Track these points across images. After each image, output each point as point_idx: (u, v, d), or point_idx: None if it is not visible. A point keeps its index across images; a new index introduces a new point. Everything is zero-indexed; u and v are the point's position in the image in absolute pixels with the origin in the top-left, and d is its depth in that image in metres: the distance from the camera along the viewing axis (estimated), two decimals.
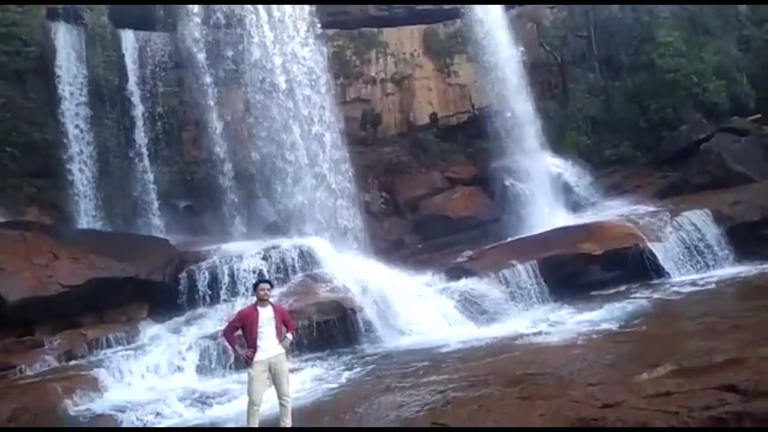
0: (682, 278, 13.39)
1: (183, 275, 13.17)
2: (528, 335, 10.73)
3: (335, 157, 16.62)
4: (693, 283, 12.85)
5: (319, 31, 17.36)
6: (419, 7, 20.82)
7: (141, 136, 16.58)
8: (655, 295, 12.39)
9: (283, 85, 16.29)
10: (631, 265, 13.91)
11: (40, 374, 10.43)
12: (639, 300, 12.23)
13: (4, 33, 15.34)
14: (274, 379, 6.95)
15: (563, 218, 17.34)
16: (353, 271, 13.37)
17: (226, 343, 7.41)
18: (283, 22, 16.43)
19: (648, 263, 13.72)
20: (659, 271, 13.64)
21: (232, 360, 10.44)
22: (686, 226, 14.41)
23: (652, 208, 15.89)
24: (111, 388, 9.78)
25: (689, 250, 14.02)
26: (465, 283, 13.38)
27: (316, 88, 16.88)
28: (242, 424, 7.16)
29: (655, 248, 13.82)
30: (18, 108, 15.44)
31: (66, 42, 16.14)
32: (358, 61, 20.28)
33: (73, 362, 10.91)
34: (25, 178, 15.47)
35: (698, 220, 14.45)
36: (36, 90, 15.86)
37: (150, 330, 12.06)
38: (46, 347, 11.18)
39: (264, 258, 13.34)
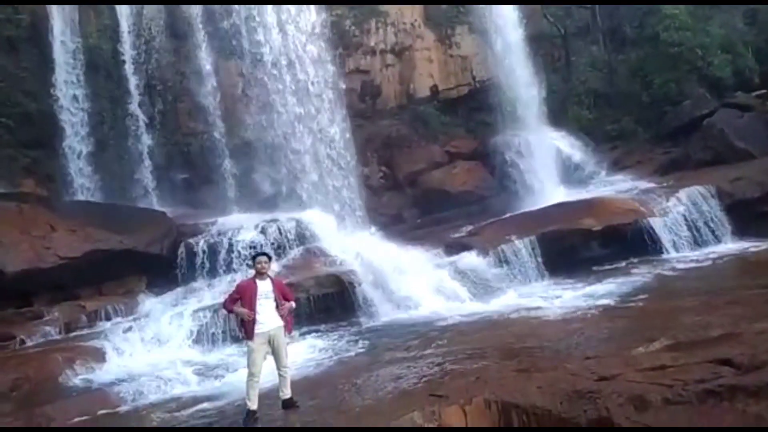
0: (681, 254, 13.40)
1: (181, 248, 13.16)
2: (525, 309, 10.77)
3: (334, 129, 16.45)
4: (692, 260, 12.87)
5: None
6: None
7: (136, 107, 16.36)
8: (654, 271, 12.41)
9: (281, 56, 16.02)
10: (631, 240, 13.91)
11: (41, 345, 10.50)
12: (637, 276, 12.26)
13: None
14: (273, 351, 6.97)
15: (563, 194, 17.28)
16: (351, 245, 13.36)
17: (227, 312, 7.40)
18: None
19: (648, 239, 13.72)
20: (659, 247, 13.64)
21: (229, 332, 10.50)
22: (687, 202, 14.36)
23: (652, 184, 15.84)
24: (110, 359, 9.84)
25: (689, 226, 14.00)
26: (463, 258, 13.37)
27: (314, 58, 16.61)
28: (241, 394, 7.23)
29: (655, 224, 13.80)
30: (12, 77, 15.20)
31: (59, 10, 15.79)
32: (357, 31, 19.93)
33: (72, 334, 10.97)
34: (20, 149, 15.30)
35: (699, 196, 14.40)
36: (29, 59, 15.59)
37: (148, 302, 12.09)
38: (46, 318, 11.24)
39: (262, 231, 13.32)
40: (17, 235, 12.20)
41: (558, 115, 19.64)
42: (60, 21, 15.61)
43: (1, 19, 15.05)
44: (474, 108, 20.78)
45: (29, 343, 10.63)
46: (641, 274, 12.30)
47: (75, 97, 15.52)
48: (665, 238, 13.69)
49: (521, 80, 18.83)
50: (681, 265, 12.53)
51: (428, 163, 19.69)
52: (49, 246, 12.23)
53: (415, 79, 20.85)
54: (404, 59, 20.73)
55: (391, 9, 20.38)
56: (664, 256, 13.42)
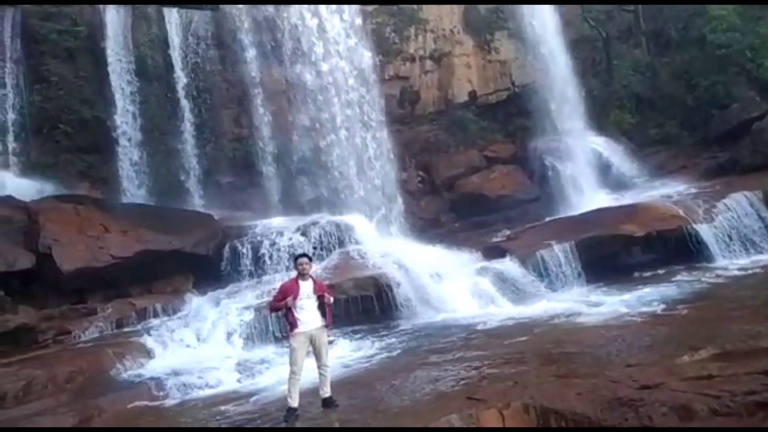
0: (727, 262, 13.00)
1: (226, 249, 13.60)
2: (564, 315, 10.67)
3: (374, 135, 16.68)
4: (739, 267, 12.48)
5: (359, 7, 17.29)
6: None
7: (185, 113, 17.01)
8: (699, 278, 12.08)
9: (323, 63, 16.37)
10: (674, 247, 13.60)
11: (94, 340, 11.04)
12: (681, 283, 11.97)
13: (55, 13, 15.88)
14: (315, 350, 7.18)
15: (604, 199, 17.02)
16: (390, 248, 13.51)
17: (274, 311, 7.68)
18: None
19: (693, 246, 13.38)
20: (704, 255, 13.28)
21: (271, 331, 10.80)
22: (734, 208, 13.93)
23: (698, 189, 15.43)
24: (158, 355, 10.27)
25: (737, 233, 13.58)
26: (502, 263, 13.35)
27: (355, 65, 16.90)
28: (282, 392, 7.45)
29: (701, 230, 13.44)
30: (69, 86, 16.03)
31: (114, 21, 16.57)
32: (397, 38, 20.15)
33: (123, 330, 11.47)
34: (77, 154, 16.11)
35: (747, 202, 13.95)
36: (86, 68, 16.40)
37: (194, 301, 12.53)
38: (99, 315, 11.79)
39: (303, 234, 13.63)
40: (74, 235, 12.85)
41: (599, 119, 19.35)
42: (114, 32, 16.37)
43: (60, 31, 15.89)
44: (513, 113, 20.69)
45: (83, 338, 11.17)
46: (685, 282, 12.00)
47: (127, 105, 16.23)
48: (711, 245, 13.32)
49: (561, 84, 18.66)
50: (728, 273, 12.16)
51: (466, 168, 19.71)
52: (103, 246, 12.84)
53: (454, 85, 20.91)
54: (443, 65, 20.82)
55: (431, 15, 20.52)
56: (710, 263, 13.05)
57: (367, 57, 17.14)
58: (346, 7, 16.99)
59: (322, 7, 16.61)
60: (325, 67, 16.44)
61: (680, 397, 5.93)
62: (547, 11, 19.05)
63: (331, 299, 7.22)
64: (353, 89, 16.70)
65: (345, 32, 16.88)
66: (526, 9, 19.16)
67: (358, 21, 17.26)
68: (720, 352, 7.10)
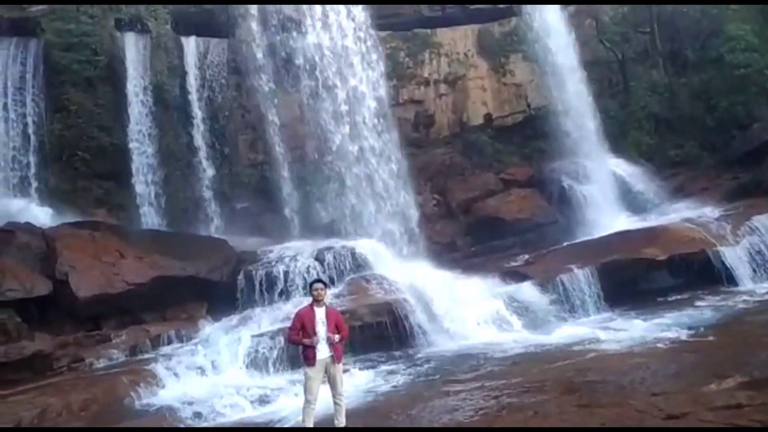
0: (753, 286, 12.63)
1: (240, 275, 13.54)
2: (586, 342, 10.39)
3: (388, 159, 16.68)
4: (766, 291, 12.10)
5: (373, 33, 17.49)
6: (473, 6, 20.61)
7: (201, 140, 17.19)
8: (724, 303, 11.75)
9: (338, 90, 16.51)
10: (698, 271, 13.25)
11: (108, 367, 10.97)
12: (706, 308, 11.64)
13: (76, 43, 16.27)
14: (329, 378, 7.03)
15: (624, 222, 16.72)
16: (405, 273, 13.35)
17: (293, 344, 7.53)
18: (338, 26, 16.63)
19: (716, 270, 13.02)
20: (728, 278, 12.93)
21: (286, 358, 10.65)
22: (759, 230, 13.58)
23: (720, 212, 15.08)
24: (172, 383, 10.15)
25: (762, 257, 13.19)
26: (520, 288, 13.11)
27: (370, 90, 17.01)
28: (297, 421, 7.28)
29: (725, 254, 13.11)
30: (88, 114, 16.32)
31: (133, 50, 16.92)
32: (411, 63, 20.27)
33: (137, 357, 11.40)
34: (95, 181, 16.32)
35: None
36: (105, 96, 16.70)
37: (208, 328, 12.43)
38: (113, 342, 11.74)
39: (317, 259, 13.54)
40: (90, 261, 12.91)
41: (617, 140, 19.15)
42: (133, 61, 16.71)
43: (81, 61, 16.26)
44: (529, 135, 20.57)
45: (97, 365, 11.13)
46: (710, 307, 11.67)
47: (145, 131, 16.46)
48: (737, 268, 12.96)
49: (577, 106, 18.55)
50: (754, 297, 11.80)
51: (482, 191, 19.55)
52: (118, 272, 12.87)
53: (469, 108, 20.91)
54: (458, 88, 20.87)
55: (445, 39, 20.66)
56: (735, 287, 12.69)
57: (382, 81, 17.25)
58: (362, 32, 17.19)
59: (338, 33, 16.81)
60: (340, 92, 16.57)
61: (709, 427, 5.69)
62: (562, 33, 19.07)
63: (336, 337, 6.98)
64: (368, 114, 16.77)
65: (360, 57, 17.04)
66: (540, 31, 19.19)
67: (371, 43, 17.43)
68: (749, 380, 6.84)
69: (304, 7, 16.92)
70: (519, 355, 10.21)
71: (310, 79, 16.82)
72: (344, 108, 16.56)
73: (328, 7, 16.98)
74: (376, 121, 16.86)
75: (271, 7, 17.09)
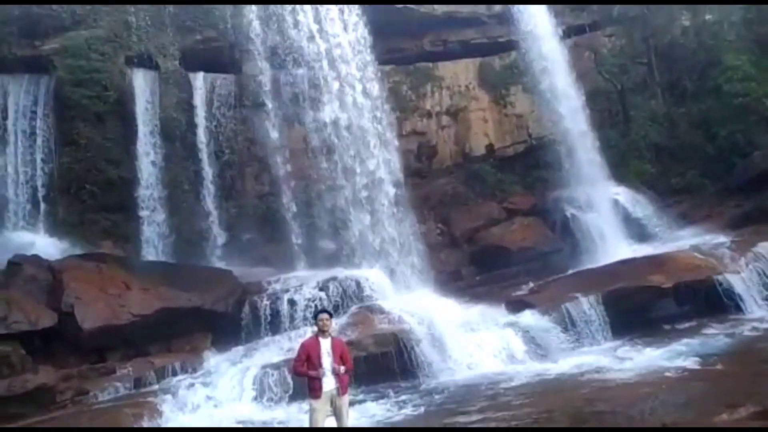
0: (761, 314, 12.49)
1: (245, 306, 13.52)
2: (594, 371, 10.28)
3: (392, 190, 16.82)
4: None
5: (377, 67, 17.84)
6: (474, 41, 21.06)
7: (207, 172, 17.42)
8: (733, 331, 11.63)
9: (343, 121, 16.76)
10: (704, 298, 13.16)
11: (112, 400, 10.88)
12: (714, 336, 11.52)
13: (87, 79, 16.65)
14: (335, 410, 6.98)
15: (628, 250, 16.68)
16: (410, 303, 13.31)
17: (299, 376, 7.46)
18: (343, 60, 16.97)
19: (724, 297, 12.93)
20: (737, 306, 12.80)
21: (291, 390, 10.56)
22: (764, 257, 13.53)
23: (724, 239, 15.05)
24: (176, 416, 10.06)
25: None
26: (526, 317, 13.03)
27: (374, 123, 17.26)
28: None
29: (732, 281, 13.02)
30: (97, 147, 16.60)
31: (142, 86, 17.31)
32: (413, 95, 20.63)
33: (141, 389, 11.31)
34: (102, 213, 16.49)
35: None
36: (114, 130, 17.00)
37: (213, 359, 12.37)
38: (118, 374, 11.69)
39: (322, 289, 13.54)
40: (95, 293, 12.93)
41: (619, 169, 19.26)
42: (142, 95, 17.09)
43: (92, 96, 16.62)
44: (531, 165, 20.75)
45: (101, 398, 11.02)
46: (718, 334, 11.55)
47: (151, 164, 16.70)
48: (744, 296, 12.85)
49: (578, 136, 18.74)
50: (764, 325, 11.68)
51: (486, 220, 19.62)
52: (124, 304, 12.87)
53: (471, 139, 21.16)
54: (459, 120, 21.16)
55: (446, 73, 21.06)
56: (742, 315, 12.56)
57: (385, 115, 17.51)
58: (367, 66, 17.51)
59: (343, 66, 17.14)
60: (344, 124, 16.81)
61: None
62: (562, 66, 19.39)
63: (342, 369, 6.95)
64: (372, 146, 16.98)
65: (364, 91, 17.34)
66: (539, 63, 19.55)
67: (377, 81, 17.75)
68: (761, 409, 6.74)
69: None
70: (526, 386, 10.10)
71: (315, 111, 17.08)
72: (349, 141, 16.69)
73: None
74: (379, 153, 17.01)
75: (276, 39, 17.45)
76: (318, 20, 16.84)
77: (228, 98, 18.42)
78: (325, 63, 16.73)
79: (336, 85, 16.76)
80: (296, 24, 16.85)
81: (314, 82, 17.07)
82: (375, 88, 17.46)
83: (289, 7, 16.83)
